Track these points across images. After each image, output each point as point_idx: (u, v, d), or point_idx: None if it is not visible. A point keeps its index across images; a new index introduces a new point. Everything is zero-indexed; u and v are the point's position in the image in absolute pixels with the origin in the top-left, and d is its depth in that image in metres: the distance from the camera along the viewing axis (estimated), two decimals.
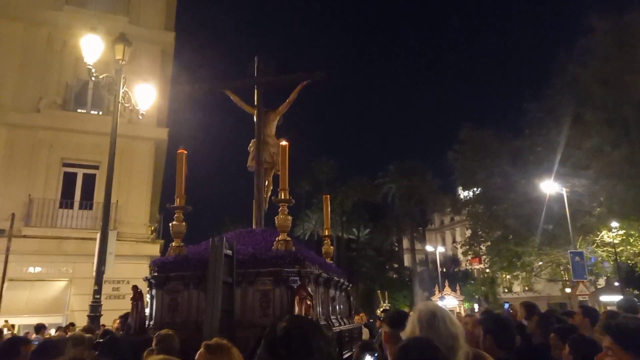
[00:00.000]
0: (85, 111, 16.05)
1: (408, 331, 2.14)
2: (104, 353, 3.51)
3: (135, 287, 5.67)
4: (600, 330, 3.18)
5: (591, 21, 22.59)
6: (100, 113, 15.94)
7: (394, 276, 47.46)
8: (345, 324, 6.97)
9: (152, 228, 16.56)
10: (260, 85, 7.52)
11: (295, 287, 5.19)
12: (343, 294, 7.66)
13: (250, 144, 7.57)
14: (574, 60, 23.45)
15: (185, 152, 6.11)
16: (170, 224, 5.98)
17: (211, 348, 2.55)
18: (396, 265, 50.76)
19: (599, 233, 23.06)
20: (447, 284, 31.63)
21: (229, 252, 4.73)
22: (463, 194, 33.55)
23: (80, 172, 15.50)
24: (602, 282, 28.76)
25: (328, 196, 8.53)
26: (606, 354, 1.93)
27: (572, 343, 2.88)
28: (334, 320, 6.52)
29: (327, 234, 8.30)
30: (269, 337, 1.31)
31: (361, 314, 13.43)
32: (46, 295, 14.55)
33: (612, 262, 24.05)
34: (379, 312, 23.83)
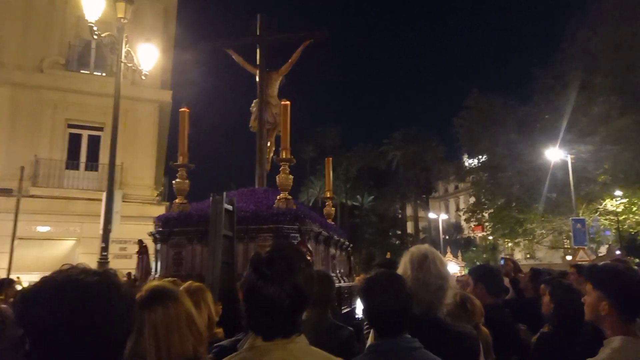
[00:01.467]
0: (88, 72, 16.00)
1: (400, 271, 2.24)
2: None
3: (140, 242, 5.84)
4: None
5: None
6: (104, 74, 15.88)
7: (397, 242, 48.03)
8: (345, 282, 7.17)
9: (158, 191, 16.76)
10: (262, 44, 7.46)
11: (295, 243, 5.33)
12: (343, 253, 7.83)
13: (253, 105, 7.57)
14: (585, 25, 22.84)
15: (188, 110, 6.14)
16: (173, 182, 6.09)
17: (186, 291, 2.62)
18: (399, 232, 51.28)
19: (602, 201, 23.11)
20: (449, 250, 32.01)
21: (230, 207, 4.84)
22: (468, 161, 33.46)
23: (85, 134, 15.61)
24: (603, 250, 29.01)
25: (330, 159, 8.58)
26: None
27: (551, 289, 2.97)
28: (333, 278, 6.70)
29: (328, 195, 8.40)
30: (255, 260, 1.41)
31: (361, 275, 13.70)
32: (55, 253, 14.93)
33: (614, 231, 24.19)
34: None
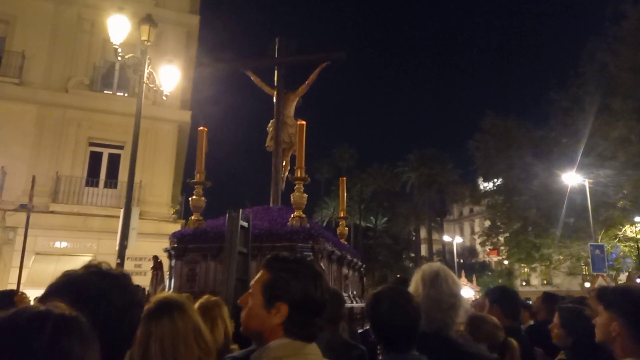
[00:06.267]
0: (111, 92, 16.47)
1: (412, 289, 2.23)
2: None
3: (155, 257, 5.92)
4: None
5: (624, 7, 21.90)
6: (126, 94, 16.33)
7: (410, 265, 47.50)
8: (357, 303, 7.12)
9: (175, 210, 16.96)
10: (280, 65, 7.62)
11: None
12: (356, 273, 7.79)
13: (269, 125, 7.69)
14: (604, 48, 22.81)
15: (206, 129, 6.29)
16: (190, 199, 6.20)
17: (202, 306, 2.61)
18: (413, 255, 50.71)
19: (622, 227, 22.65)
20: (463, 274, 31.45)
21: (245, 223, 4.91)
22: (483, 184, 33.22)
23: (105, 152, 15.97)
24: (623, 277, 28.28)
25: (344, 178, 8.62)
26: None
27: (560, 312, 2.94)
28: (345, 298, 6.66)
29: (342, 215, 8.42)
30: (298, 266, 1.49)
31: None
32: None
33: (634, 258, 23.63)
34: None
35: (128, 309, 1.11)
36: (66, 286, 1.06)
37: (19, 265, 13.53)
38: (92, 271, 1.13)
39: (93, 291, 1.06)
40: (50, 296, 0.99)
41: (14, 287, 11.61)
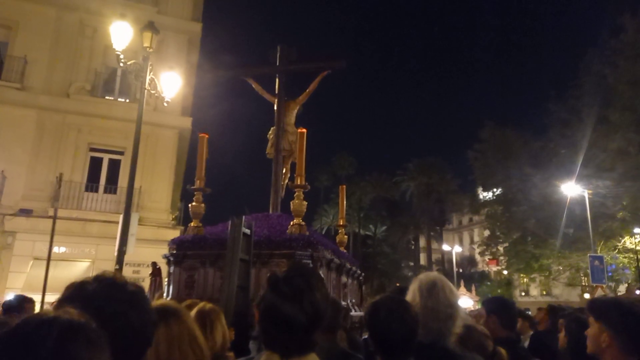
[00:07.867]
0: (112, 98, 16.51)
1: (409, 298, 2.21)
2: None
3: (154, 264, 5.91)
4: None
5: (622, 20, 22.08)
6: (127, 100, 16.37)
7: (409, 274, 47.36)
8: (356, 311, 7.09)
9: (174, 216, 16.94)
10: (281, 73, 7.66)
11: None
12: (355, 282, 7.78)
13: (270, 132, 7.72)
14: (602, 60, 23.00)
15: (207, 135, 6.31)
16: (189, 205, 6.20)
17: (199, 312, 2.58)
18: (412, 264, 50.57)
19: (621, 238, 22.65)
20: (462, 284, 31.39)
21: (247, 231, 4.91)
22: (482, 194, 33.25)
23: (106, 157, 15.98)
24: (622, 289, 28.22)
25: (344, 186, 8.63)
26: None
27: (566, 323, 2.94)
28: (341, 303, 6.64)
29: (341, 223, 8.42)
30: (272, 279, 1.42)
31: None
32: (70, 274, 15.03)
33: (633, 269, 23.59)
34: None
35: (144, 329, 1.08)
36: (83, 301, 1.01)
37: (17, 270, 13.53)
38: (108, 284, 1.09)
39: (111, 309, 1.02)
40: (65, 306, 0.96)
41: (12, 292, 11.58)
